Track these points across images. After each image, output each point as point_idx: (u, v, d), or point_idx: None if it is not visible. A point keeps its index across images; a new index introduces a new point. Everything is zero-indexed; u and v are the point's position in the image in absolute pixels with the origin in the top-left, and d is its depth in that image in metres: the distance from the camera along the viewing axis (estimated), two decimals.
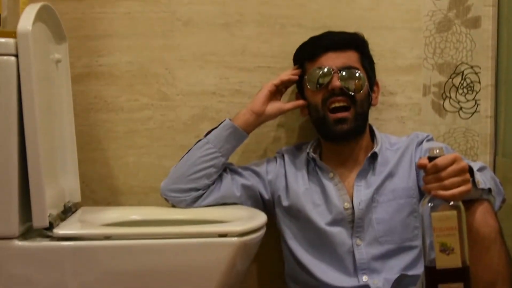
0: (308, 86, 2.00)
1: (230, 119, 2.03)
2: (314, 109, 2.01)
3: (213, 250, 1.65)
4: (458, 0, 2.22)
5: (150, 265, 1.63)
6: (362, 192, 1.96)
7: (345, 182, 2.00)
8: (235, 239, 1.64)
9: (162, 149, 2.16)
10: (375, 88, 2.09)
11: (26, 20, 1.61)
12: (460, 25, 2.23)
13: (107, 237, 1.63)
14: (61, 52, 1.96)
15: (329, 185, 2.00)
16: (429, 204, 1.49)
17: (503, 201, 1.83)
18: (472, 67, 2.23)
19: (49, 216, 1.63)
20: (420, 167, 1.55)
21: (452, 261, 1.45)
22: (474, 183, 1.58)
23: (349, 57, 2.01)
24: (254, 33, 2.20)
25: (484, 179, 1.66)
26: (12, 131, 1.60)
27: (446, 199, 1.49)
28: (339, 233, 1.96)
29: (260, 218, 1.78)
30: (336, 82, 1.95)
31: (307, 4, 2.22)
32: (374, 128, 2.09)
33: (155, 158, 2.16)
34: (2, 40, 1.62)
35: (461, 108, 2.24)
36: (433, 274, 1.47)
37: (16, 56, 1.60)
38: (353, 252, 1.94)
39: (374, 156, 2.00)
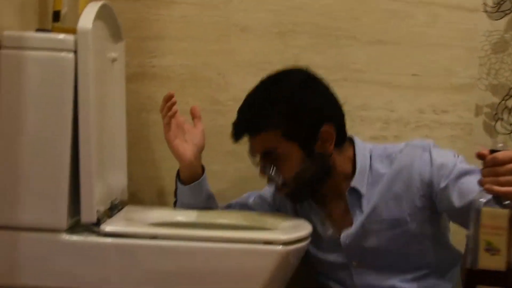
0: None
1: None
2: None
3: (257, 257, 1.64)
4: None
5: (194, 267, 1.64)
6: (356, 222, 1.86)
7: (332, 210, 1.92)
8: (279, 247, 1.63)
9: (209, 154, 2.14)
10: (319, 139, 1.83)
11: (87, 18, 1.63)
12: None
13: (153, 237, 1.64)
14: (118, 51, 1.98)
15: (315, 214, 1.93)
16: (481, 199, 1.40)
17: None
18: None
19: (97, 212, 1.64)
20: (479, 157, 1.44)
21: (496, 263, 1.36)
22: None
23: (267, 140, 1.82)
24: (308, 44, 2.21)
25: None
26: (66, 127, 1.61)
27: (499, 196, 1.39)
28: (334, 257, 1.91)
29: (305, 228, 1.77)
30: (261, 172, 1.87)
31: (362, 17, 2.22)
32: (357, 144, 1.91)
33: (203, 162, 2.16)
34: (62, 36, 1.64)
35: None
36: (473, 275, 1.39)
37: (75, 52, 1.61)
38: (352, 275, 1.90)
39: (354, 190, 1.86)
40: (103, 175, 1.80)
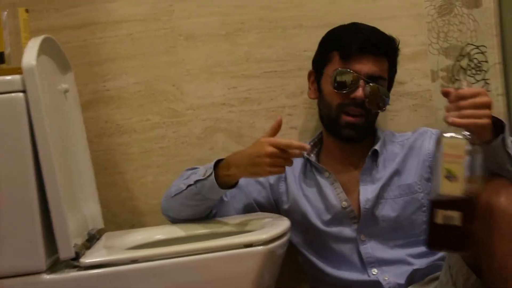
0: (330, 84, 1.95)
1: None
2: (327, 106, 1.98)
3: (240, 261, 1.64)
4: None
5: (179, 283, 1.63)
6: (368, 190, 1.94)
7: (345, 180, 1.99)
8: (261, 248, 1.63)
9: (179, 165, 2.15)
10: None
11: (30, 55, 1.61)
12: (461, 6, 2.22)
13: (134, 261, 1.63)
14: (68, 81, 1.97)
15: (325, 185, 1.98)
16: (444, 133, 1.47)
17: None
18: (478, 47, 2.22)
19: (74, 246, 1.62)
20: (444, 94, 1.52)
21: (454, 189, 1.44)
22: (504, 144, 1.55)
23: (380, 66, 1.97)
24: (257, 39, 2.20)
25: None
26: (28, 166, 1.60)
27: (460, 127, 1.46)
28: (341, 231, 1.95)
29: (283, 223, 1.77)
30: (360, 94, 1.92)
31: (306, 3, 2.22)
32: (376, 123, 2.07)
33: (173, 175, 2.13)
34: (9, 77, 1.62)
35: None
36: (435, 201, 1.47)
37: (24, 91, 1.60)
38: (358, 248, 1.94)
39: (375, 153, 1.98)
40: (75, 207, 1.79)
